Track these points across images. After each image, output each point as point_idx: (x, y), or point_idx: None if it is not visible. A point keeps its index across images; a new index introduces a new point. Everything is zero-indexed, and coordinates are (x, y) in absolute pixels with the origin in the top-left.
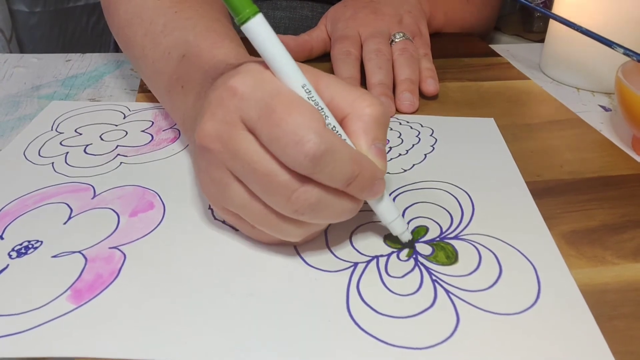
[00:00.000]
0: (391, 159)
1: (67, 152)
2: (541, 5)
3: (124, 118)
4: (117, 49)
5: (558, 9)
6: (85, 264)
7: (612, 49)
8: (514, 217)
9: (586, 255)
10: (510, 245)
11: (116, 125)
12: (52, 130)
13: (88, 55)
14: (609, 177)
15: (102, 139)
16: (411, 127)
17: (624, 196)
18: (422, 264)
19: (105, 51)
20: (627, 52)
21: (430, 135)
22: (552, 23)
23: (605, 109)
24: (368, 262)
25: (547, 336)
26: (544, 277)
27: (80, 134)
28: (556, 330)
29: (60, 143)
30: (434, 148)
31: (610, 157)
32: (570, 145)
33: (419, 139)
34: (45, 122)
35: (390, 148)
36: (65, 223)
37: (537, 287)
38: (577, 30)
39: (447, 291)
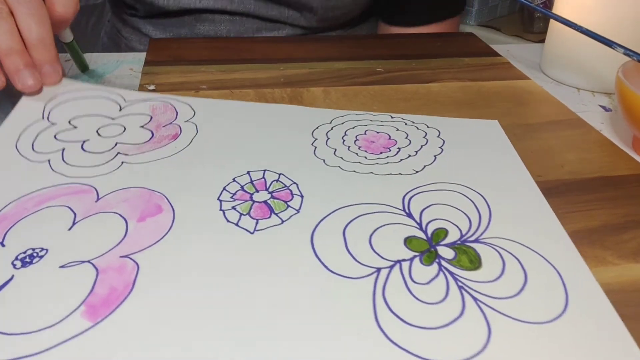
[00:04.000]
0: (401, 160)
1: (64, 149)
2: (541, 5)
3: (120, 110)
4: (104, 49)
5: (558, 9)
6: (97, 276)
7: (612, 49)
8: (531, 220)
9: (586, 255)
10: (531, 249)
11: (113, 119)
12: (43, 119)
13: (87, 55)
14: (609, 177)
15: (99, 135)
16: (417, 128)
17: (624, 196)
18: (446, 268)
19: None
20: (627, 52)
21: (437, 136)
22: (552, 23)
23: (606, 109)
24: (391, 267)
25: (581, 344)
26: (569, 281)
27: (75, 127)
28: (588, 338)
29: (55, 137)
30: (442, 150)
31: (610, 157)
32: (571, 145)
33: (427, 140)
34: (34, 107)
35: (399, 149)
36: (70, 229)
37: (564, 293)
38: (577, 30)
39: (475, 299)
